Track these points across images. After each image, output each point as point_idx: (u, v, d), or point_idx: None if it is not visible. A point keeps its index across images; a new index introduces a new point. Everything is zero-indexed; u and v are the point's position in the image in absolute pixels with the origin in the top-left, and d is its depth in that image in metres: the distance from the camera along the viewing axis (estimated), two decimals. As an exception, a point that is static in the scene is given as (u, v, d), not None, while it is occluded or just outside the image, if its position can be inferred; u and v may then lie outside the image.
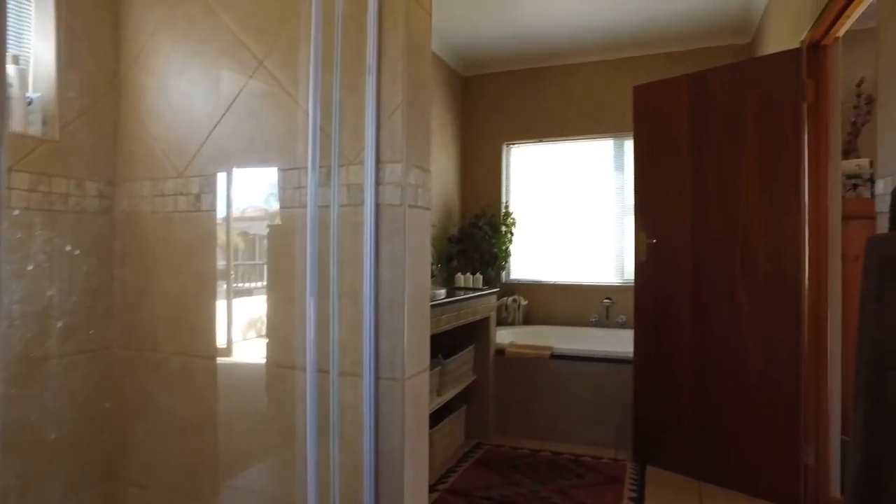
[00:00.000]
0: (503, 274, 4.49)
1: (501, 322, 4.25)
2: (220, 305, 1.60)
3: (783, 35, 2.89)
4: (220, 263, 1.60)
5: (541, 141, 4.47)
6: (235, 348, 1.60)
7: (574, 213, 4.35)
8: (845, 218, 2.42)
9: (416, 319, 1.40)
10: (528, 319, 4.36)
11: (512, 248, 4.43)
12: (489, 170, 4.58)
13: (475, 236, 4.15)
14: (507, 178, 4.58)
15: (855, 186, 2.98)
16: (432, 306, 2.51)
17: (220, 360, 1.60)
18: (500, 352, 3.45)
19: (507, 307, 4.24)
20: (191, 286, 1.63)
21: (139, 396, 1.69)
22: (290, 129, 1.51)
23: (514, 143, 4.57)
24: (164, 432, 1.65)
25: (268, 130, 1.53)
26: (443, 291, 2.91)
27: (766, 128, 2.52)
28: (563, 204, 4.39)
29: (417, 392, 1.41)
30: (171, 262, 1.66)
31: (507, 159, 4.60)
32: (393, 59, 1.36)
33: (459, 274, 3.51)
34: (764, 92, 2.54)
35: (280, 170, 1.51)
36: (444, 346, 3.30)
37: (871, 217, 2.79)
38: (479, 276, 3.51)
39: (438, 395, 2.93)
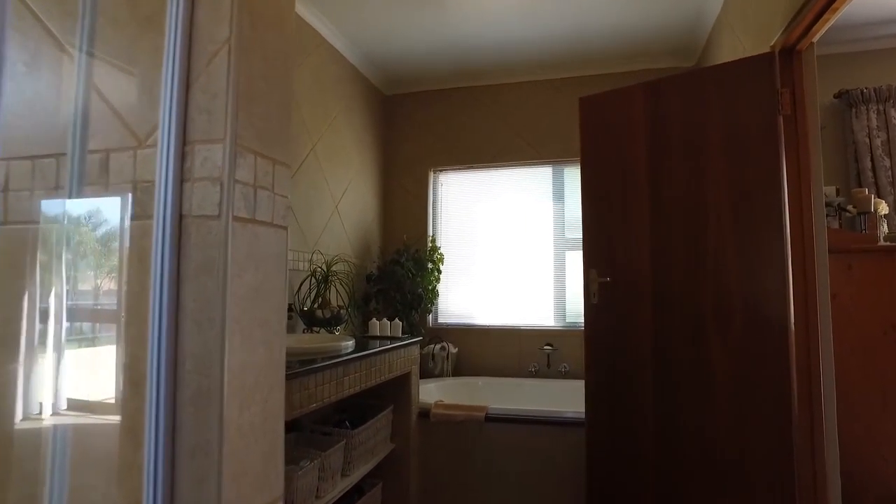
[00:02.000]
0: (429, 317, 3.92)
1: (427, 374, 3.65)
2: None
3: (738, 50, 2.55)
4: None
5: (471, 168, 3.99)
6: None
7: (510, 248, 3.86)
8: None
9: (253, 426, 0.80)
10: (459, 369, 3.79)
11: (440, 287, 3.88)
12: (414, 199, 4.05)
13: (397, 274, 3.57)
14: (435, 209, 4.06)
15: (823, 217, 2.63)
16: (331, 365, 1.90)
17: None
18: (425, 413, 2.85)
19: (433, 356, 3.66)
20: None
21: None
22: (49, 91, 0.90)
23: (441, 170, 4.07)
24: None
25: (11, 93, 0.91)
26: (350, 343, 2.30)
27: (735, 144, 2.12)
28: (497, 238, 3.90)
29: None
30: None
31: (435, 188, 4.08)
32: (215, -33, 0.79)
33: (375, 320, 2.91)
34: (731, 103, 2.14)
35: (24, 158, 0.89)
36: (352, 410, 2.67)
37: (847, 251, 2.44)
38: (399, 323, 2.92)
39: (344, 475, 2.29)
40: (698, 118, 2.22)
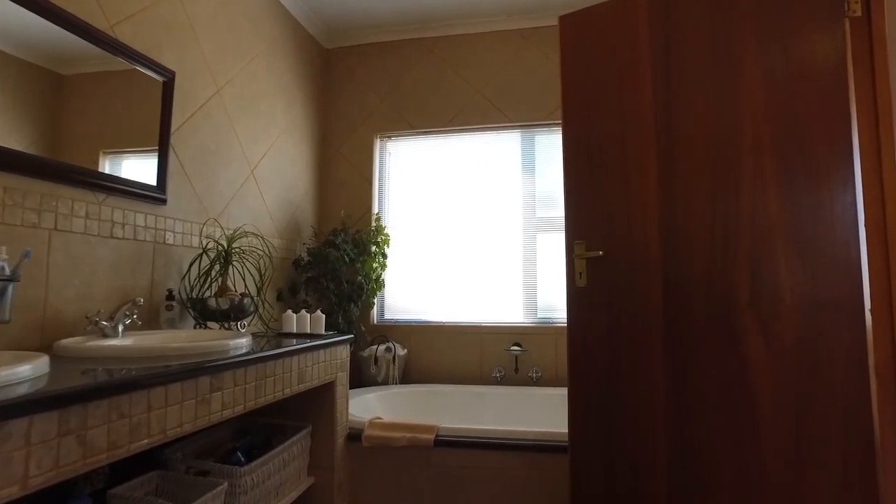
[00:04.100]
0: (373, 312, 3.24)
1: (370, 381, 2.98)
2: None
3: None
4: None
5: (425, 133, 3.34)
6: None
7: (470, 229, 3.22)
8: None
9: None
10: (408, 376, 3.13)
11: (386, 276, 3.21)
12: (356, 170, 3.37)
13: (330, 258, 2.88)
14: (381, 182, 3.39)
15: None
16: (181, 376, 1.21)
17: None
18: (357, 436, 2.17)
19: (376, 359, 2.98)
20: None
21: None
22: None
23: (389, 136, 3.40)
24: None
25: None
26: (242, 342, 1.62)
27: (781, 64, 1.52)
28: (455, 218, 3.25)
29: None
30: None
31: (382, 157, 3.41)
32: None
33: (290, 312, 2.22)
34: (776, 4, 1.55)
35: None
36: (256, 433, 1.98)
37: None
38: (321, 316, 2.24)
39: (229, 530, 1.60)
40: (726, 31, 1.61)
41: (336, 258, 2.87)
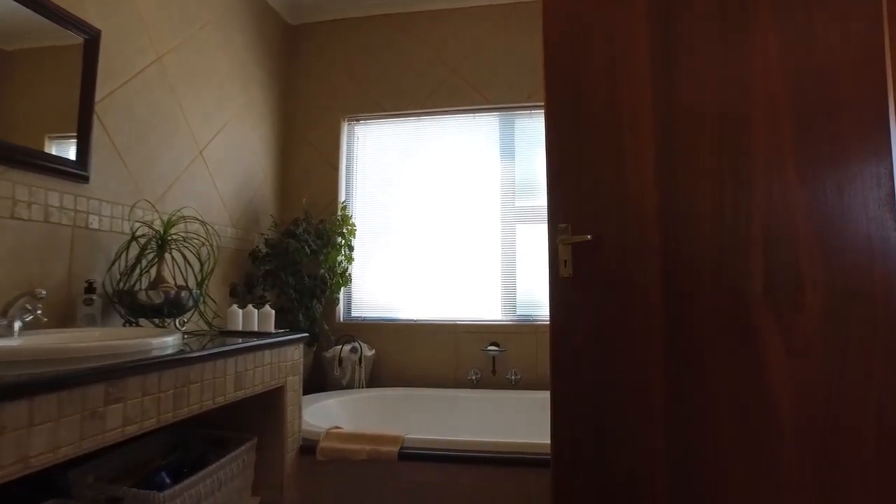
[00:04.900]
0: (338, 309, 2.98)
1: (334, 385, 2.71)
2: None
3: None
4: None
5: (396, 116, 3.08)
6: None
7: (444, 220, 2.97)
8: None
9: None
10: (376, 378, 2.87)
11: (353, 270, 2.95)
12: (321, 155, 3.10)
13: (290, 248, 2.61)
14: (349, 169, 3.12)
15: None
16: (60, 384, 0.95)
17: None
18: (311, 448, 1.91)
19: (341, 361, 2.72)
20: None
21: None
22: None
23: (358, 119, 3.14)
24: None
25: None
26: (168, 340, 1.36)
27: (799, 12, 1.30)
28: (428, 207, 3.00)
29: None
30: None
31: (350, 141, 3.15)
32: None
33: (235, 307, 1.96)
34: (793, -53, 1.33)
35: None
36: (190, 447, 1.71)
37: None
38: (270, 312, 1.98)
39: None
40: (734, -20, 1.39)
41: (296, 249, 2.60)
